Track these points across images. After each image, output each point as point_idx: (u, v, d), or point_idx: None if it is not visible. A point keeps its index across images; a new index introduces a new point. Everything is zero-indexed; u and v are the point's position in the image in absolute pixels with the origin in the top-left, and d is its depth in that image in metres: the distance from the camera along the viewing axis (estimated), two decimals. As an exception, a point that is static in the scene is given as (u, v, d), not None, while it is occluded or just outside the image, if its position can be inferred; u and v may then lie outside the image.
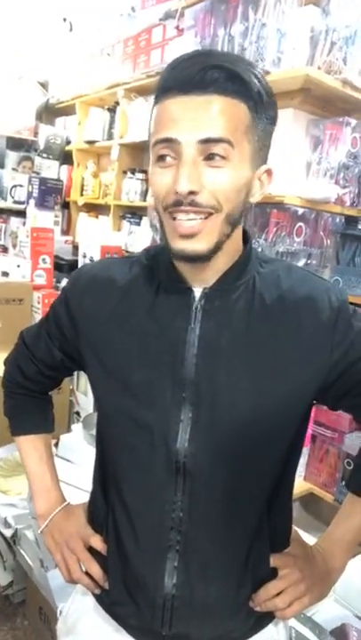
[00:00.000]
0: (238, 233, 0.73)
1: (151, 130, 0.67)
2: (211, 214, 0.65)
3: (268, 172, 0.71)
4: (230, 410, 0.70)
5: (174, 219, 0.65)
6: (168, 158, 0.64)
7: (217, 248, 0.67)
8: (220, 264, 0.71)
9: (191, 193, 0.62)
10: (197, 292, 0.73)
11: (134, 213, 2.93)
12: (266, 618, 0.82)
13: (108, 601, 0.84)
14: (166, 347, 0.72)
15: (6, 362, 0.97)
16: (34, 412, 0.98)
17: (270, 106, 0.68)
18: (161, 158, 0.65)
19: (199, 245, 0.65)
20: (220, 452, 0.71)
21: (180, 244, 0.66)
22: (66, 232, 3.49)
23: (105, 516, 0.82)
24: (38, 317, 2.69)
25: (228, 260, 0.72)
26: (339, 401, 0.78)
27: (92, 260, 2.79)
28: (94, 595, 0.86)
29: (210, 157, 0.63)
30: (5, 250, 3.04)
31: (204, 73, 0.61)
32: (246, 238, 0.76)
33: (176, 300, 0.73)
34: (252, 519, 0.75)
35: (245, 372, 0.71)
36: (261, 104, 0.65)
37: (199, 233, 0.65)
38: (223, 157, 0.63)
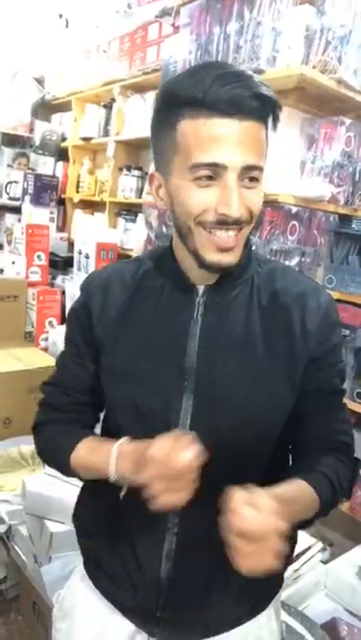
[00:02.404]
0: None
1: (184, 145, 0.69)
2: (243, 228, 0.72)
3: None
4: (228, 398, 0.76)
5: (210, 232, 0.71)
6: (208, 180, 0.69)
7: (242, 257, 0.76)
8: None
9: (242, 214, 0.69)
10: (200, 288, 0.79)
11: (130, 210, 2.93)
12: (259, 606, 0.86)
13: (105, 583, 0.87)
14: (171, 339, 0.78)
15: (36, 414, 0.91)
16: (74, 431, 0.87)
17: (277, 118, 0.73)
18: (201, 179, 0.69)
19: (235, 257, 0.73)
20: (219, 438, 0.75)
21: (216, 257, 0.72)
22: (61, 229, 3.49)
23: (105, 500, 0.83)
24: (33, 314, 2.69)
25: None
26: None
27: (87, 256, 2.79)
28: (91, 579, 0.89)
29: (247, 180, 0.69)
30: (1, 247, 3.04)
31: (246, 100, 0.65)
32: (246, 240, 0.81)
33: (180, 296, 0.80)
34: None
35: (242, 363, 0.77)
36: (274, 123, 0.71)
37: (235, 247, 0.72)
38: (256, 179, 0.70)
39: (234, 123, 0.66)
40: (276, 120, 0.71)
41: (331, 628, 1.55)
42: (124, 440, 0.76)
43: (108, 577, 0.86)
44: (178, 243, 0.79)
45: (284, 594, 1.44)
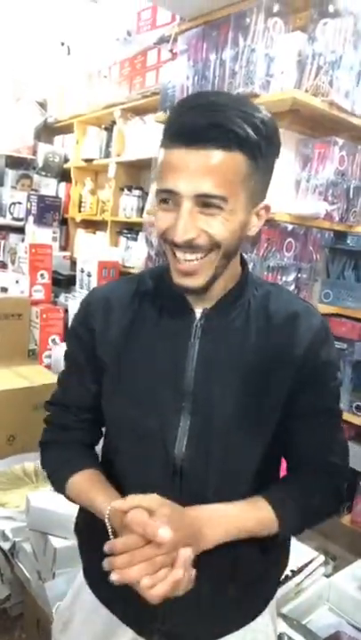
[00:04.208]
0: (236, 260, 0.81)
1: (158, 171, 0.73)
2: (209, 251, 0.72)
3: (267, 208, 0.78)
4: (223, 419, 0.78)
5: (174, 254, 0.73)
6: (169, 203, 0.72)
7: (213, 280, 0.76)
8: (219, 289, 0.80)
9: (189, 240, 0.70)
10: (198, 312, 0.81)
11: (131, 229, 2.99)
12: (254, 611, 0.88)
13: (104, 592, 0.89)
14: (169, 360, 0.80)
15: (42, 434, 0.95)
16: (74, 456, 0.90)
17: (271, 147, 0.73)
18: (164, 201, 0.72)
19: (197, 282, 0.74)
20: (213, 457, 0.78)
21: (180, 280, 0.75)
22: (64, 248, 3.55)
23: None
24: (37, 332, 2.73)
25: (227, 284, 0.81)
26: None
27: (89, 274, 2.84)
28: (91, 588, 0.91)
29: (205, 207, 0.70)
30: (4, 266, 3.09)
31: (203, 129, 0.67)
32: (243, 262, 0.84)
33: (178, 319, 0.81)
34: None
35: (237, 385, 0.79)
36: (260, 151, 0.71)
37: (197, 271, 0.73)
38: (217, 207, 0.70)
39: (190, 152, 0.67)
40: (256, 147, 0.69)
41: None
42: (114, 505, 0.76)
43: (108, 585, 0.87)
44: None
45: (286, 607, 1.44)
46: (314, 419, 0.84)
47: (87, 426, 0.92)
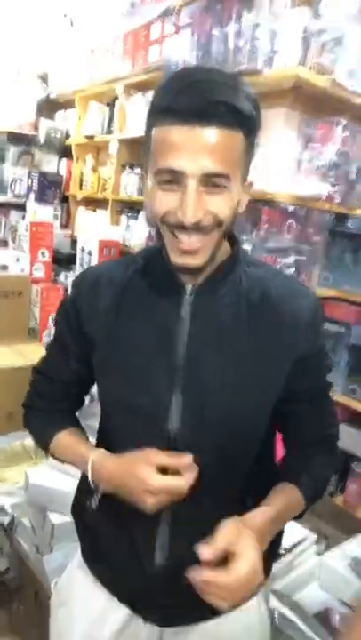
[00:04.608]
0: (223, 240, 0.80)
1: (153, 150, 0.71)
2: (211, 230, 0.72)
3: (251, 184, 0.79)
4: (216, 394, 0.78)
5: (174, 235, 0.72)
6: (172, 184, 0.70)
7: (212, 259, 0.76)
8: (209, 266, 0.79)
9: (196, 223, 0.69)
10: (188, 287, 0.80)
11: (132, 208, 2.96)
12: None
13: (101, 571, 0.91)
14: (160, 337, 0.80)
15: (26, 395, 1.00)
16: (58, 419, 0.96)
17: (258, 121, 0.73)
18: (164, 183, 0.70)
19: (198, 260, 0.74)
20: (207, 432, 0.79)
21: (180, 259, 0.74)
22: (65, 226, 3.52)
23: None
24: (37, 310, 2.73)
25: (216, 261, 0.80)
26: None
27: (90, 253, 2.82)
28: (89, 566, 0.93)
29: (210, 185, 0.69)
30: (5, 243, 3.08)
31: (208, 107, 0.66)
32: (233, 241, 0.84)
33: (169, 296, 0.81)
34: (236, 492, 0.83)
35: (230, 360, 0.79)
36: (254, 129, 0.71)
37: (200, 250, 0.73)
38: (221, 186, 0.70)
39: (194, 130, 0.66)
40: (252, 126, 0.71)
41: (324, 617, 1.59)
42: (98, 454, 0.83)
43: (105, 564, 0.90)
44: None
45: (279, 583, 1.47)
46: (313, 398, 0.87)
47: (66, 396, 0.96)
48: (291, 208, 1.60)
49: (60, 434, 0.92)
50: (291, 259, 1.62)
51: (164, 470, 0.75)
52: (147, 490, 0.74)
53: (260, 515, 0.77)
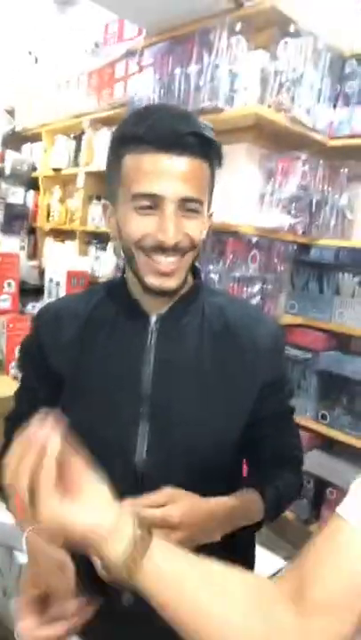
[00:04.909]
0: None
1: (127, 177, 0.73)
2: (185, 253, 0.76)
3: (211, 215, 0.84)
4: (183, 423, 0.79)
5: (149, 257, 0.75)
6: (148, 208, 0.73)
7: (184, 282, 0.79)
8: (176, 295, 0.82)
9: (176, 243, 0.73)
10: (153, 317, 0.82)
11: (100, 239, 2.98)
12: None
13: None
14: (125, 366, 0.81)
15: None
16: None
17: (220, 158, 0.78)
18: (141, 208, 0.73)
19: (173, 282, 0.77)
20: (175, 462, 0.79)
21: (157, 281, 0.76)
22: (33, 257, 3.51)
23: None
24: (3, 342, 2.69)
25: (180, 291, 0.82)
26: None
27: (57, 284, 2.82)
28: None
29: (185, 210, 0.74)
30: (-30, 275, 3.03)
31: (184, 137, 0.70)
32: (195, 271, 0.87)
33: (134, 325, 0.83)
34: None
35: (195, 389, 0.80)
36: (219, 161, 0.77)
37: (175, 271, 0.76)
38: (195, 211, 0.74)
39: (172, 157, 0.71)
40: (218, 159, 0.77)
41: None
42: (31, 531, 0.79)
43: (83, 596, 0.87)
44: (129, 271, 0.82)
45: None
46: (277, 422, 0.89)
47: None
48: (255, 239, 1.65)
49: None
50: (256, 287, 1.66)
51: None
52: None
53: (213, 500, 0.77)
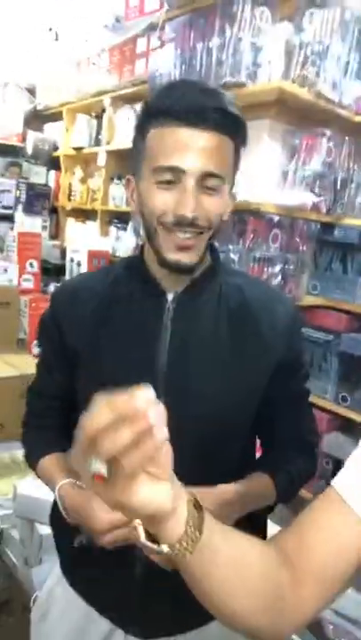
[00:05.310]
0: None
1: (150, 151, 0.74)
2: (203, 232, 0.75)
3: (234, 196, 0.83)
4: (198, 397, 0.80)
5: (170, 233, 0.75)
6: (170, 183, 0.73)
7: (202, 260, 0.79)
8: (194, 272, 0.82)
9: (194, 217, 0.73)
10: (170, 294, 0.82)
11: (121, 219, 2.97)
12: None
13: (81, 584, 0.91)
14: (142, 344, 0.81)
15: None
16: (46, 439, 0.96)
17: (246, 137, 0.78)
18: (163, 182, 0.73)
19: (191, 258, 0.77)
20: (189, 437, 0.77)
21: (175, 256, 0.76)
22: (54, 236, 3.53)
23: None
24: (25, 321, 2.73)
25: (198, 270, 0.82)
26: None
27: (79, 264, 2.83)
28: (68, 580, 0.93)
29: (206, 187, 0.73)
30: (-6, 255, 3.07)
31: (206, 111, 0.70)
32: (213, 251, 0.87)
33: (151, 302, 0.83)
34: None
35: (211, 366, 0.81)
36: (244, 140, 0.77)
37: (193, 247, 0.76)
38: (215, 188, 0.74)
39: (195, 132, 0.71)
40: (243, 136, 0.76)
41: (317, 627, 1.59)
42: (64, 485, 0.82)
43: (83, 576, 0.89)
44: (148, 248, 0.83)
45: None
46: (292, 404, 0.89)
47: (56, 412, 0.95)
48: (276, 218, 1.62)
49: (44, 459, 0.91)
50: (277, 268, 1.64)
51: None
52: (94, 530, 0.73)
53: (223, 485, 0.78)
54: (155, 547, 0.49)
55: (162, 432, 0.47)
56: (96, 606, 0.89)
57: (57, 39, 3.25)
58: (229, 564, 0.52)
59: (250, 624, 0.53)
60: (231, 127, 0.73)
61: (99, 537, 0.72)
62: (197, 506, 0.51)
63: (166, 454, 0.50)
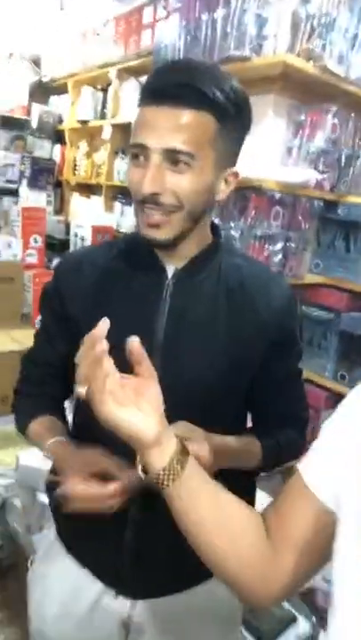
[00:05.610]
0: (206, 225, 0.85)
1: (132, 129, 0.76)
2: (172, 212, 0.75)
3: (235, 175, 0.82)
4: (193, 371, 0.82)
5: (142, 210, 0.76)
6: (140, 159, 0.74)
7: (179, 238, 0.79)
8: (189, 250, 0.84)
9: (154, 194, 0.73)
10: (170, 270, 0.84)
11: (125, 194, 2.96)
12: None
13: (75, 546, 0.94)
14: (140, 317, 0.83)
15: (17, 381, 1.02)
16: (40, 404, 0.97)
17: (240, 115, 0.77)
18: (135, 157, 0.75)
19: (162, 235, 0.78)
20: (182, 409, 0.79)
21: (146, 232, 0.78)
22: (59, 211, 3.52)
23: None
24: (29, 296, 2.74)
25: (197, 248, 0.84)
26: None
27: (83, 239, 2.83)
28: (63, 543, 0.97)
29: (174, 163, 0.73)
30: (-2, 229, 3.07)
31: (175, 89, 0.71)
32: (216, 231, 0.88)
33: (151, 277, 0.85)
34: None
35: (207, 341, 0.83)
36: (228, 115, 0.74)
37: (162, 225, 0.76)
38: (186, 164, 0.73)
39: (163, 109, 0.71)
40: (225, 111, 0.74)
41: (309, 596, 1.63)
42: (53, 443, 0.85)
43: (78, 540, 0.93)
44: None
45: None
46: (285, 380, 0.92)
47: (52, 380, 0.97)
48: (278, 195, 1.61)
49: (35, 421, 0.93)
50: (278, 245, 1.63)
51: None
52: (63, 487, 0.76)
53: (216, 436, 0.81)
54: (143, 474, 0.63)
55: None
56: (89, 568, 0.92)
57: (62, 9, 3.19)
58: (210, 508, 0.61)
59: (225, 567, 0.61)
60: (202, 103, 0.72)
61: (66, 501, 0.76)
62: (185, 450, 0.62)
63: (157, 396, 0.63)
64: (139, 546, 0.85)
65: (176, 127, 0.71)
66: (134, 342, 0.63)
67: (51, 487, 0.99)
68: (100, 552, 0.89)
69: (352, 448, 0.53)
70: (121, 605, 0.91)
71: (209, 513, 0.61)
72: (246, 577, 0.60)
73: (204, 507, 0.61)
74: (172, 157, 0.72)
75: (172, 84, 0.71)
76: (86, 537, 0.90)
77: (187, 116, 0.71)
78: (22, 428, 0.96)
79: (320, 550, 0.56)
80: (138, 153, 0.74)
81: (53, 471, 0.99)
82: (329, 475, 0.55)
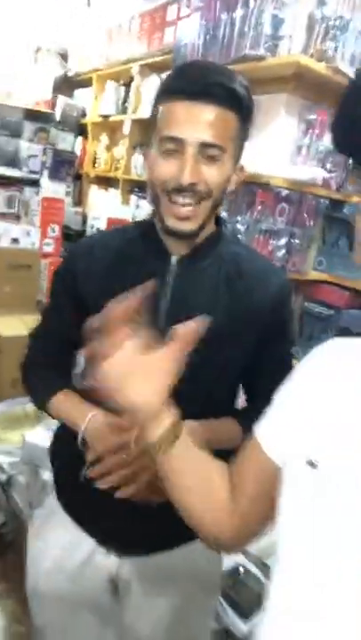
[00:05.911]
0: (213, 215, 0.90)
1: (159, 123, 0.82)
2: (203, 199, 0.82)
3: (242, 168, 0.90)
4: (190, 356, 0.84)
5: (172, 201, 0.82)
6: (173, 152, 0.80)
7: (202, 228, 0.86)
8: (197, 238, 0.89)
9: (192, 184, 0.80)
10: (174, 257, 0.90)
11: (142, 188, 3.01)
12: None
13: (71, 507, 1.02)
14: (146, 300, 0.87)
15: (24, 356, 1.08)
16: (54, 376, 1.02)
17: (251, 114, 0.84)
18: (166, 151, 0.81)
19: (190, 226, 0.84)
20: (183, 392, 0.84)
21: (175, 224, 0.84)
22: (78, 203, 3.59)
23: (71, 446, 0.96)
24: (45, 284, 2.82)
25: (202, 236, 0.90)
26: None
27: (98, 230, 2.90)
28: (65, 509, 1.03)
29: (206, 156, 0.80)
30: (18, 218, 3.15)
31: (209, 87, 0.77)
32: (218, 220, 0.94)
33: (158, 263, 0.91)
34: None
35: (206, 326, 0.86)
36: (248, 115, 0.83)
37: (192, 216, 0.83)
38: (216, 156, 0.80)
39: (195, 106, 0.78)
40: (247, 110, 0.82)
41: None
42: (96, 415, 0.90)
43: (76, 503, 1.00)
44: (156, 213, 0.90)
45: (253, 547, 1.55)
46: (277, 364, 0.95)
47: (60, 349, 1.01)
48: (284, 192, 1.65)
49: (57, 397, 0.98)
50: (282, 241, 1.67)
51: None
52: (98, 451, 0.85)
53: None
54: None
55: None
56: (84, 526, 0.99)
57: (89, 5, 3.26)
58: (195, 472, 0.69)
59: (196, 517, 0.69)
60: (234, 103, 0.79)
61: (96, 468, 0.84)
62: (180, 425, 0.68)
63: (170, 377, 0.68)
64: (128, 508, 0.89)
65: (209, 122, 0.78)
66: (203, 322, 0.69)
67: (58, 455, 1.07)
68: (94, 512, 0.96)
69: (296, 408, 0.61)
70: (111, 563, 0.98)
71: (191, 478, 0.69)
72: (207, 519, 0.68)
73: (189, 473, 0.69)
74: (205, 150, 0.79)
75: (204, 82, 0.77)
76: (83, 499, 0.96)
77: (218, 112, 0.78)
78: (42, 402, 1.00)
79: (268, 499, 0.62)
80: (171, 147, 0.80)
81: (57, 446, 1.06)
82: (277, 433, 0.64)
